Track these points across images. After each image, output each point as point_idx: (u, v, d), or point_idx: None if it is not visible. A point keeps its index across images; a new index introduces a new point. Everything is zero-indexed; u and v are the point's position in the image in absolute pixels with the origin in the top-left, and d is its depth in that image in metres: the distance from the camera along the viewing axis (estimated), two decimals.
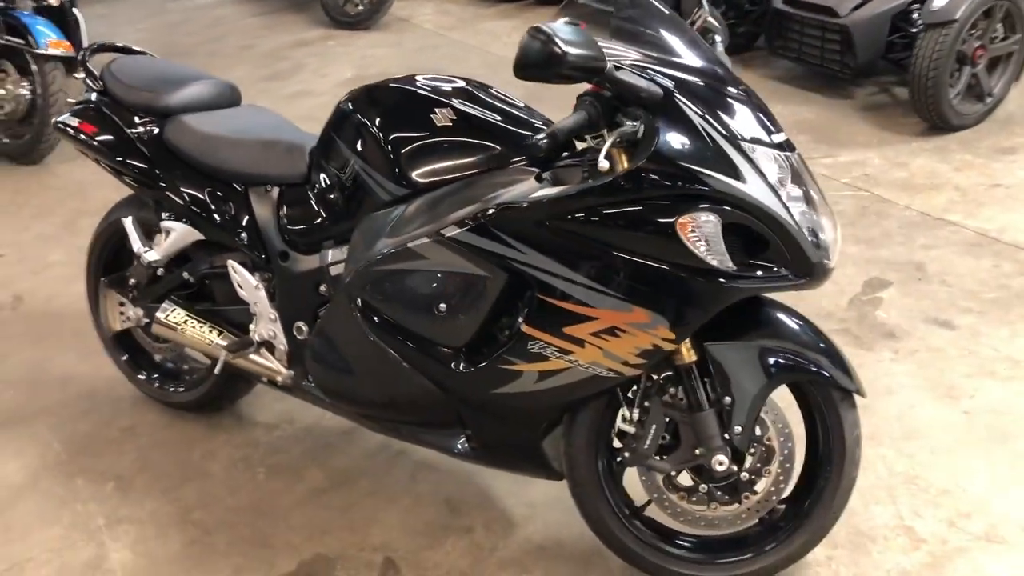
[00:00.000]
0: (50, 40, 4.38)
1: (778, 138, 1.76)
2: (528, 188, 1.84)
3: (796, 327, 1.93)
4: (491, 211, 1.79)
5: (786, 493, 2.00)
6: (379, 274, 1.96)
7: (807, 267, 1.75)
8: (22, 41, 4.39)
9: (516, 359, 1.86)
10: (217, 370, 2.32)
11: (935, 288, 3.05)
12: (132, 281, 2.55)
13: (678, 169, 1.66)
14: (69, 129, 2.42)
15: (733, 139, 1.69)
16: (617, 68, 1.68)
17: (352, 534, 2.29)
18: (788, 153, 1.76)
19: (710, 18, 2.07)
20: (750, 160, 1.69)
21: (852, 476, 1.99)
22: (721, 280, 1.70)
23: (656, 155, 1.66)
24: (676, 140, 1.67)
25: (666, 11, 1.85)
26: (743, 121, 1.73)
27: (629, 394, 1.93)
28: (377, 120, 2.00)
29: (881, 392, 2.59)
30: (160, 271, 2.49)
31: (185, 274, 2.44)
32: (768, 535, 2.04)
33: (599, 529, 2.04)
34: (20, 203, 4.28)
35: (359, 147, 2.03)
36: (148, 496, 2.47)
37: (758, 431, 1.95)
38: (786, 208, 1.71)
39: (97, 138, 2.39)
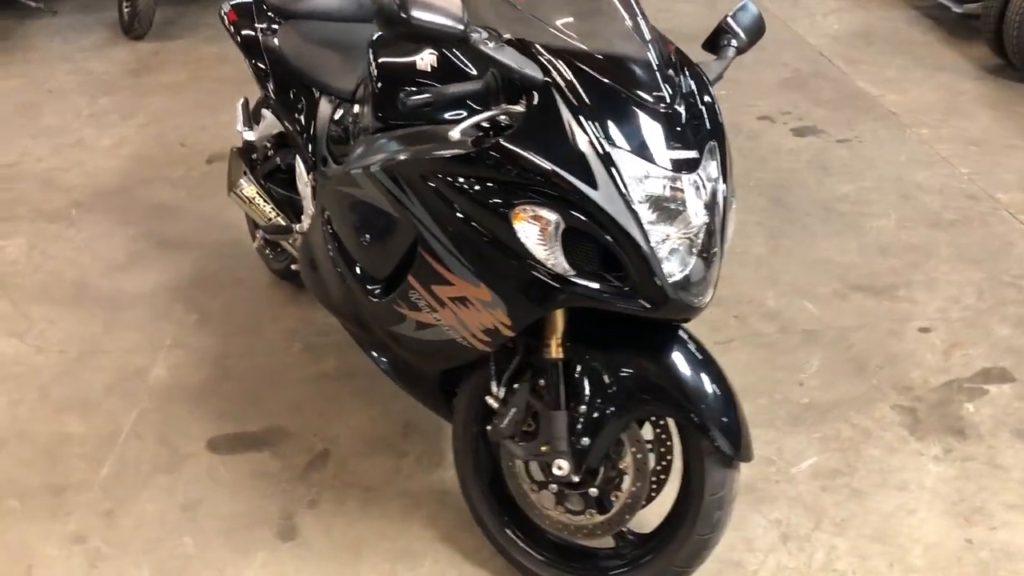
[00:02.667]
0: None
1: (677, 156, 1.63)
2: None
3: (690, 364, 1.80)
4: (400, 157, 1.88)
5: (630, 525, 1.92)
6: (335, 192, 2.14)
7: (657, 295, 1.64)
8: None
9: (402, 303, 1.96)
10: (254, 244, 2.66)
11: None
12: (253, 156, 2.96)
13: (524, 159, 1.63)
14: (223, 15, 2.84)
15: (602, 144, 1.60)
16: (510, 43, 1.66)
17: (317, 419, 2.55)
18: (685, 174, 1.63)
19: (730, 19, 1.93)
20: (610, 169, 1.59)
21: (705, 536, 1.84)
22: (554, 280, 1.66)
23: (510, 139, 1.64)
24: (536, 129, 1.64)
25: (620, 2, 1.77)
26: (632, 131, 1.63)
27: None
28: (380, 54, 2.13)
29: (890, 485, 2.27)
30: (270, 152, 2.87)
31: (278, 159, 2.79)
32: (613, 560, 1.97)
33: (463, 486, 2.10)
34: None
35: (367, 76, 2.18)
36: (210, 335, 2.92)
37: (621, 453, 1.88)
38: (640, 227, 1.60)
39: (238, 29, 2.78)
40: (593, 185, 1.61)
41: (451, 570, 2.09)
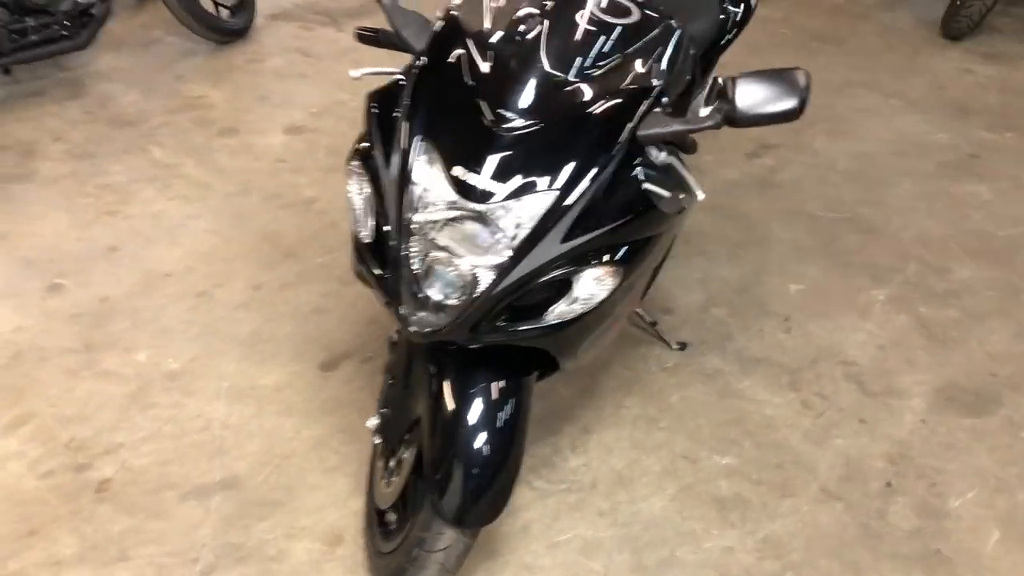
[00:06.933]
0: None
1: (482, 183, 1.51)
2: None
3: (481, 412, 1.72)
4: None
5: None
6: None
7: (391, 295, 1.62)
8: None
9: None
10: None
11: None
12: None
13: (370, 117, 1.69)
14: None
15: (411, 131, 1.57)
16: (449, 15, 1.69)
17: None
18: (457, 200, 1.52)
19: (739, 82, 1.54)
20: (405, 159, 1.57)
21: (403, 566, 1.79)
22: (358, 242, 1.71)
23: (376, 94, 1.71)
24: (393, 95, 1.68)
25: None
26: (453, 138, 1.56)
27: None
28: None
29: None
30: None
31: None
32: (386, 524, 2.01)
33: None
34: None
35: None
36: None
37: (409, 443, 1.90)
38: (399, 224, 1.56)
39: None
40: (387, 165, 1.62)
41: (355, 460, 2.31)
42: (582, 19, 1.71)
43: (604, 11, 1.78)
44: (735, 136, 3.77)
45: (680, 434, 2.40)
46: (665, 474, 2.29)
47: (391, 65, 1.83)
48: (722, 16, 2.66)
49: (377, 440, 1.97)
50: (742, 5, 2.78)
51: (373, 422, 1.95)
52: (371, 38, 1.84)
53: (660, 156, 1.69)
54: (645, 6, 1.92)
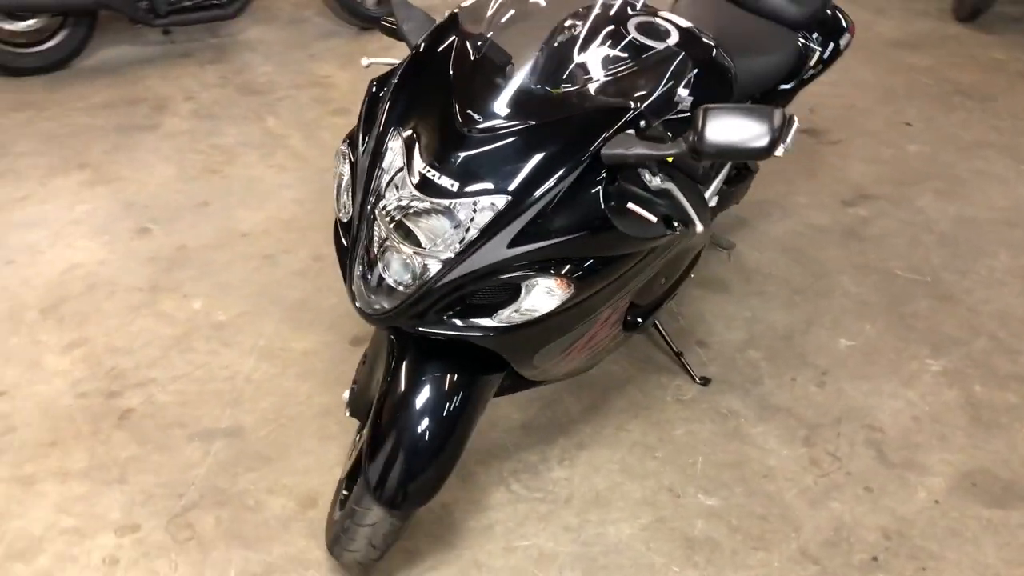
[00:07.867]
0: None
1: (432, 175, 1.57)
2: None
3: (428, 399, 1.78)
4: None
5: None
6: None
7: (349, 274, 1.70)
8: None
9: None
10: None
11: None
12: None
13: (365, 102, 1.76)
14: None
15: (388, 121, 1.65)
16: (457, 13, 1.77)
17: None
18: (415, 193, 1.58)
19: (709, 114, 1.52)
20: (380, 146, 1.64)
21: (337, 535, 1.87)
22: (338, 220, 1.80)
23: (377, 80, 1.78)
24: (384, 82, 1.75)
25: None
26: (427, 132, 1.62)
27: None
28: None
29: None
30: None
31: None
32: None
33: None
34: None
35: None
36: None
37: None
38: (364, 206, 1.64)
39: None
40: (356, 150, 1.70)
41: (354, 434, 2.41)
42: (580, 32, 1.73)
43: (616, 28, 1.78)
44: (835, 181, 3.63)
45: (672, 467, 2.36)
46: (644, 503, 2.26)
47: None
48: (801, 54, 2.59)
49: (347, 413, 2.06)
50: (830, 45, 2.70)
51: (345, 395, 2.04)
52: (393, 31, 1.94)
53: (655, 180, 1.68)
54: (689, 31, 1.91)
